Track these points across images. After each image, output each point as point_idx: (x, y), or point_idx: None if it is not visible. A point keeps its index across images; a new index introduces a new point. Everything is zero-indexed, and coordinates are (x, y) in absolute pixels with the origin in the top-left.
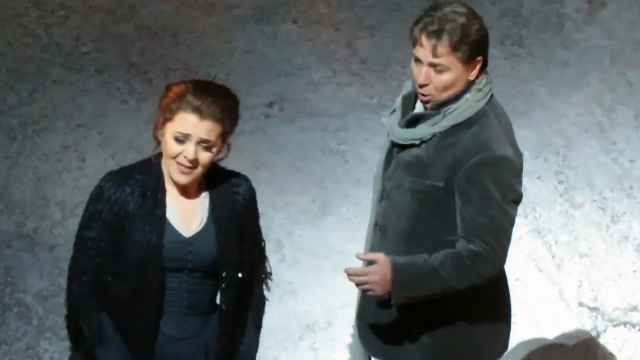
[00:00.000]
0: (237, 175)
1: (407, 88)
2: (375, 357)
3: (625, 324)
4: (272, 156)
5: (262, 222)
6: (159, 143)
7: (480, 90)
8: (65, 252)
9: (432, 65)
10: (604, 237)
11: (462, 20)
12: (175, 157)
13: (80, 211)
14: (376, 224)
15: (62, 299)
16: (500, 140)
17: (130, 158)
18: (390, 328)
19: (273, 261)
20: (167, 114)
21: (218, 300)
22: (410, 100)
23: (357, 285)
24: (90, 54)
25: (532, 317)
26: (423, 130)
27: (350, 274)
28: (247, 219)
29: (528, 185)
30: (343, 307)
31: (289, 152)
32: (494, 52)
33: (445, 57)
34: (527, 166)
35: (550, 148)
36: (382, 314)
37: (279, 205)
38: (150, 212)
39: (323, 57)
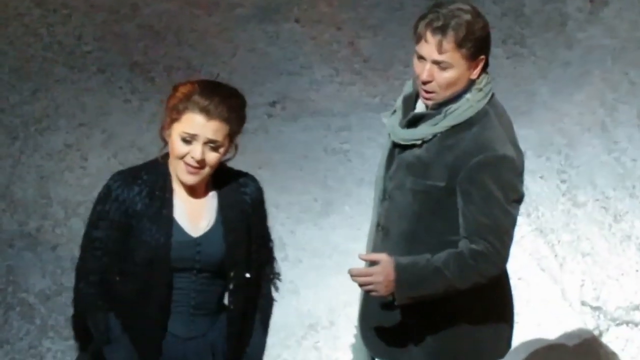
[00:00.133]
0: (244, 175)
1: (408, 88)
2: (378, 357)
3: (627, 323)
4: (274, 155)
5: None
6: (165, 143)
7: (480, 90)
8: (68, 251)
9: (436, 62)
10: (606, 236)
11: (467, 17)
12: (182, 157)
13: (83, 210)
14: (378, 225)
15: (64, 297)
16: (501, 140)
17: (132, 157)
18: (392, 329)
19: None
20: (174, 114)
21: (225, 300)
22: (410, 101)
23: (361, 285)
24: (93, 52)
25: (534, 316)
26: (424, 130)
27: (354, 275)
28: (254, 219)
29: (530, 185)
30: (345, 306)
31: (292, 151)
32: (496, 51)
33: (450, 53)
34: (529, 165)
35: (552, 147)
36: (385, 315)
37: (281, 204)
38: (157, 212)
39: (325, 56)
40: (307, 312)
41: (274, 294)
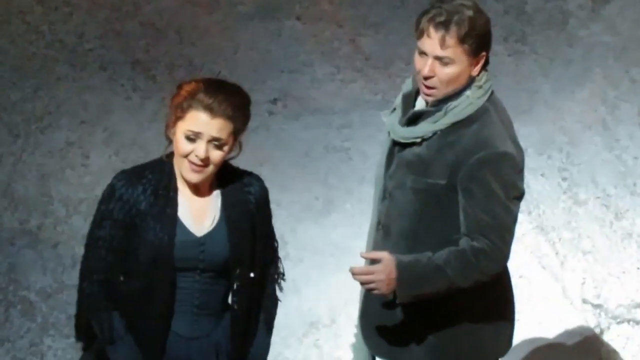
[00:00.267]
0: (249, 174)
1: (407, 86)
2: (379, 356)
3: (628, 321)
4: (275, 153)
5: None
6: (170, 142)
7: (480, 87)
8: (69, 248)
9: (438, 58)
10: (607, 233)
11: (470, 13)
12: (186, 156)
13: (84, 208)
14: (378, 223)
15: (65, 295)
16: (502, 137)
17: (133, 154)
18: (393, 327)
19: None
20: (178, 112)
21: (229, 300)
22: (410, 98)
23: (362, 284)
24: (94, 50)
25: (535, 314)
26: (424, 128)
27: (355, 273)
28: (259, 218)
29: (531, 182)
30: (346, 304)
31: (293, 149)
32: (497, 48)
33: (452, 49)
34: (531, 163)
35: (554, 145)
36: (386, 314)
37: (282, 202)
38: (161, 211)
39: (326, 53)
40: (308, 310)
41: (278, 294)
